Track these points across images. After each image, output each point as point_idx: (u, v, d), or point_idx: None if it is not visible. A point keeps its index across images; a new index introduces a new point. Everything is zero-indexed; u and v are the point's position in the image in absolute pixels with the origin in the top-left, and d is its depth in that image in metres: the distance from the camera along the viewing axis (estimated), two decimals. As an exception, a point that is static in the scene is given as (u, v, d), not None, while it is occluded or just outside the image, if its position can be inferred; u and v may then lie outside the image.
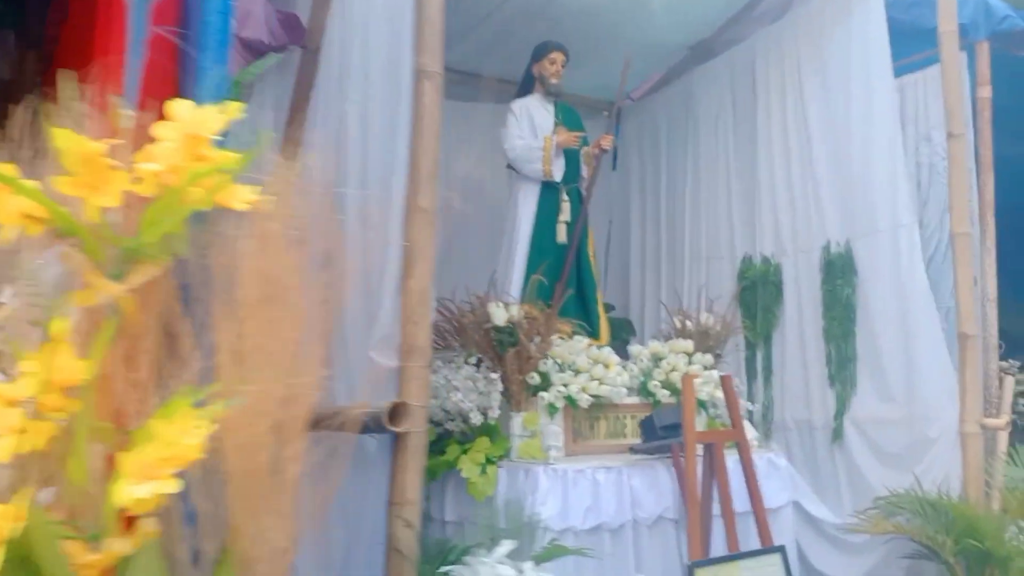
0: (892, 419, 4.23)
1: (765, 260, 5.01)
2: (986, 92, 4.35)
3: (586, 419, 3.84)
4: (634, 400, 4.07)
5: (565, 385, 3.66)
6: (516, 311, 3.64)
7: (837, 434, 4.45)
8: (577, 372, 3.71)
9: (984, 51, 4.39)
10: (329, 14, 3.10)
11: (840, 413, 4.45)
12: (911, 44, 4.68)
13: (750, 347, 5.05)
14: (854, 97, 4.51)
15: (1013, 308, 8.26)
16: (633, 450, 3.53)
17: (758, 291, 4.99)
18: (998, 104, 4.50)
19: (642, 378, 4.08)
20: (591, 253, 4.63)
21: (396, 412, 2.24)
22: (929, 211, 4.65)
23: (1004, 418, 4.06)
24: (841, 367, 4.47)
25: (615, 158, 6.38)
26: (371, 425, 2.23)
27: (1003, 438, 4.02)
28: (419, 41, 2.50)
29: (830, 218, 4.63)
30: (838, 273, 4.52)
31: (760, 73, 5.16)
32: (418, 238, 2.40)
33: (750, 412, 4.91)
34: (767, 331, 4.94)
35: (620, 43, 5.53)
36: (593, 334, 4.46)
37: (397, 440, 2.29)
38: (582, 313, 4.47)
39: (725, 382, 3.65)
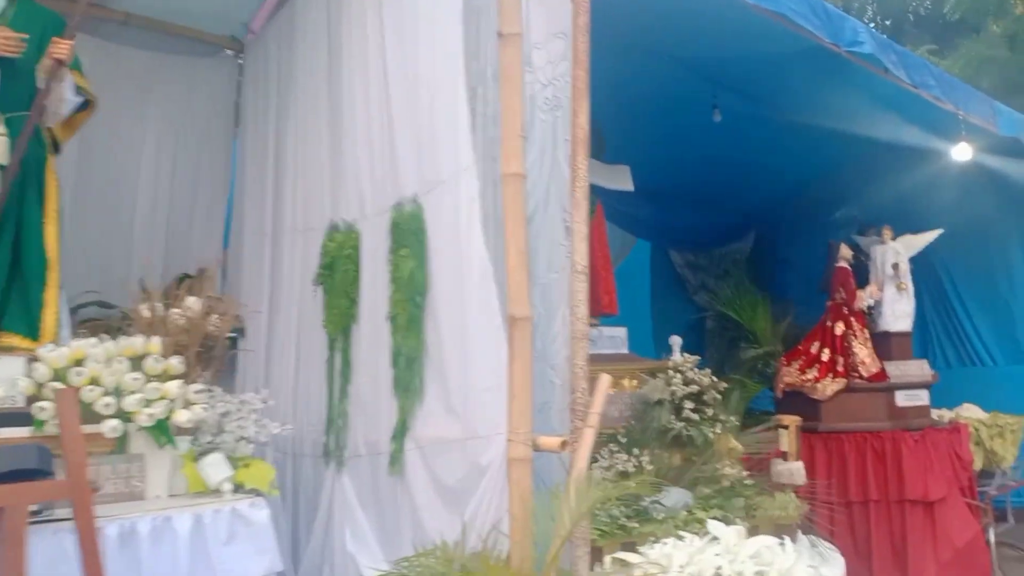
0: (452, 438, 3.04)
1: (348, 227, 3.76)
2: (581, -10, 3.23)
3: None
4: (20, 432, 2.66)
5: None
6: None
7: (395, 460, 3.23)
8: None
9: (581, -62, 3.27)
10: None
11: (401, 432, 3.23)
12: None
13: (331, 346, 3.78)
14: (423, 13, 3.34)
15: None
16: None
17: (336, 269, 3.73)
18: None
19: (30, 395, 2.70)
20: (45, 215, 3.19)
21: None
22: (531, 154, 3.49)
23: (586, 432, 2.92)
24: (407, 368, 3.25)
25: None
26: None
27: (579, 460, 2.88)
28: None
29: (404, 168, 3.43)
30: (403, 240, 3.31)
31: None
32: None
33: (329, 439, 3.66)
34: (346, 323, 3.68)
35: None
36: (31, 332, 3.04)
37: None
38: (19, 301, 3.04)
39: (60, 399, 2.31)
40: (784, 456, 4.36)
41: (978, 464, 6.40)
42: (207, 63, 5.10)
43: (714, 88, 6.26)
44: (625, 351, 4.83)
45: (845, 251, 6.20)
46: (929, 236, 6.43)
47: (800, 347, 6.17)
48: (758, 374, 6.47)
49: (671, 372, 4.24)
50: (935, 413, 6.52)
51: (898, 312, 6.23)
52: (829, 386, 5.77)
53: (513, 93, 2.79)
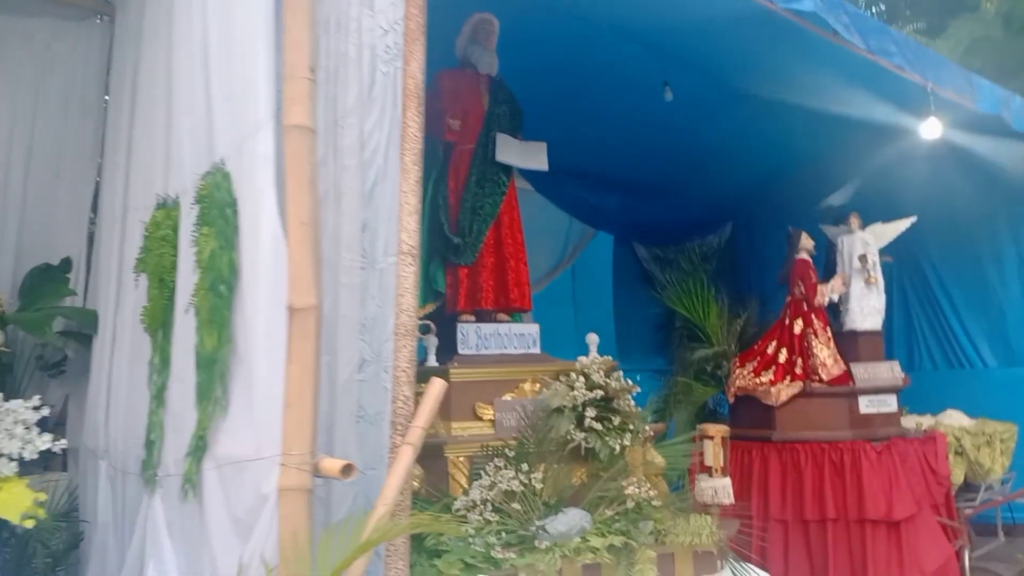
0: (248, 455, 2.45)
1: (173, 203, 3.18)
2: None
3: None
4: None
5: None
6: None
7: (188, 482, 2.64)
8: None
9: None
10: None
11: (198, 448, 2.65)
12: None
13: (152, 344, 3.21)
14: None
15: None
16: None
17: (152, 252, 3.16)
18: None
19: None
20: None
21: None
22: (372, 115, 2.89)
23: (403, 450, 2.32)
24: (207, 371, 2.66)
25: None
26: None
27: (390, 486, 2.28)
28: None
29: (217, 128, 2.85)
30: (207, 215, 2.73)
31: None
32: None
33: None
34: (165, 316, 3.11)
35: None
36: None
37: None
38: None
39: None
40: (709, 471, 3.74)
41: (959, 477, 5.74)
42: (73, 27, 4.54)
43: (664, 63, 5.67)
44: (536, 351, 4.24)
45: (806, 241, 5.58)
46: (901, 224, 5.79)
47: (756, 347, 5.56)
48: (709, 376, 5.85)
49: (574, 375, 3.65)
50: (912, 420, 5.89)
51: (867, 308, 5.59)
52: (783, 390, 5.15)
53: (298, 21, 2.21)
